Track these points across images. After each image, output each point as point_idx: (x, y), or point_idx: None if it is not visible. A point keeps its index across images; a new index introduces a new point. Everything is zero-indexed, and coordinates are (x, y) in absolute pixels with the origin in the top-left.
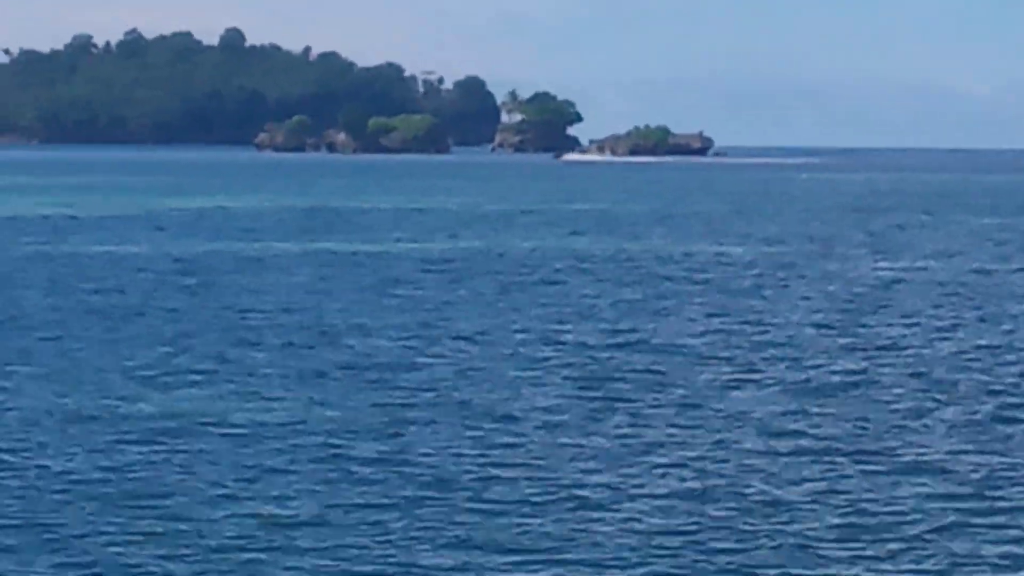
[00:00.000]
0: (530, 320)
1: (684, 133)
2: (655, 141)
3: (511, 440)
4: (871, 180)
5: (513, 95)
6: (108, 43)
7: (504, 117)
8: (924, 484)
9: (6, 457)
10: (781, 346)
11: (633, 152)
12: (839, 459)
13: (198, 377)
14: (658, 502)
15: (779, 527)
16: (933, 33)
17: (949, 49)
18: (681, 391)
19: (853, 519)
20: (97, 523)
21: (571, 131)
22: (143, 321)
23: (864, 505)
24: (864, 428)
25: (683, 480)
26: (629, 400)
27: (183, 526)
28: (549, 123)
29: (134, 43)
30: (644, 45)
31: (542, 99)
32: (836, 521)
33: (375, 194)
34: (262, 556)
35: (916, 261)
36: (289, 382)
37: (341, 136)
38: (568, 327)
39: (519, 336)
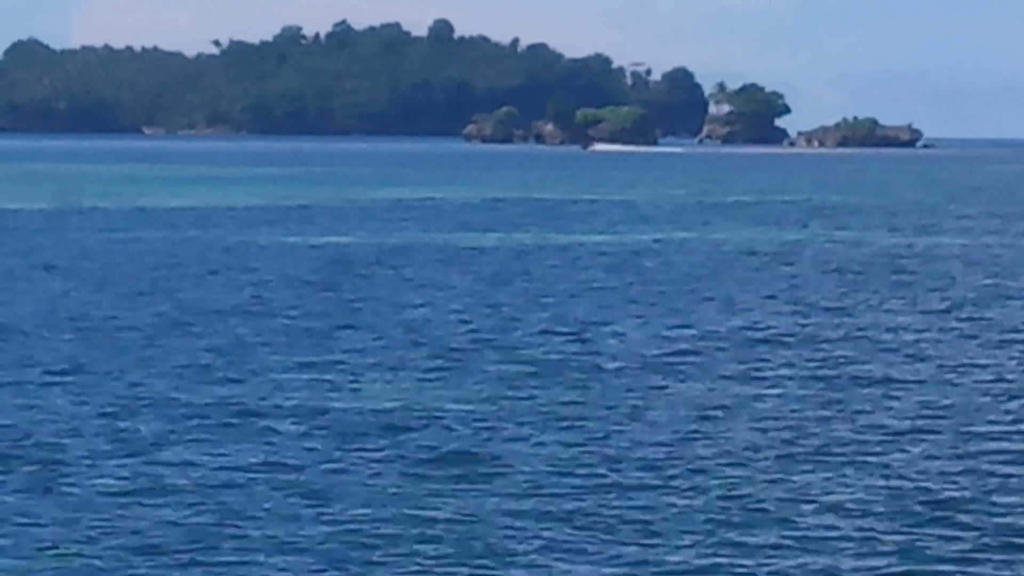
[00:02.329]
0: (757, 313)
1: (892, 125)
2: (864, 133)
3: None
4: None
5: (721, 86)
6: (317, 34)
7: (712, 108)
8: None
9: (187, 453)
10: None
11: (842, 144)
12: None
13: (433, 367)
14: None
15: None
16: None
17: None
18: (913, 390)
19: None
20: (302, 518)
21: (779, 123)
22: (358, 313)
23: None
24: None
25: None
26: (858, 399)
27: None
28: (757, 115)
29: (343, 34)
30: (850, 39)
31: (750, 91)
32: None
33: (583, 185)
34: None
35: None
36: (534, 376)
37: (549, 127)
38: (802, 320)
39: (737, 329)
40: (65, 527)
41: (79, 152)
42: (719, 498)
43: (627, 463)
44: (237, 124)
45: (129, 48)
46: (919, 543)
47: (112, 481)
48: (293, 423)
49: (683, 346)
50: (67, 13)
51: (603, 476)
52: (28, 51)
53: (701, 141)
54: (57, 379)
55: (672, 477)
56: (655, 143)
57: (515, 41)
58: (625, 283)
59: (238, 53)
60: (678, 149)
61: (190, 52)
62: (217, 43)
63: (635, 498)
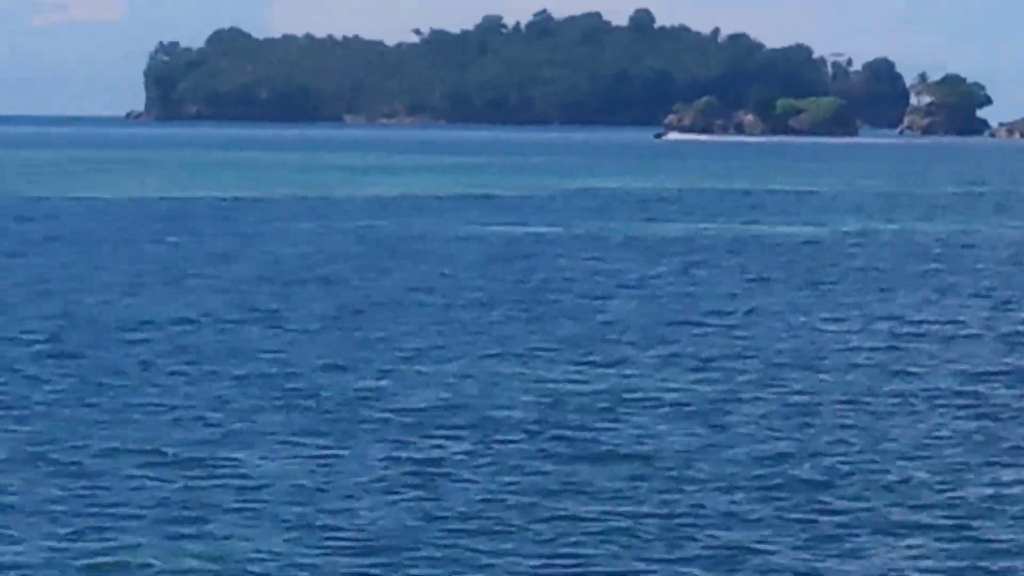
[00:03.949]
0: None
1: None
2: None
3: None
4: None
5: (923, 77)
6: (518, 24)
7: (913, 99)
8: None
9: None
10: None
11: None
12: None
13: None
14: None
15: None
16: None
17: None
18: None
19: None
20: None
21: (980, 114)
22: (539, 303)
23: None
24: None
25: None
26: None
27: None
28: (958, 106)
29: (543, 24)
30: None
31: (952, 81)
32: None
33: (783, 176)
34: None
35: None
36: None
37: (749, 118)
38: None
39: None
40: (250, 519)
41: (279, 140)
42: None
43: (806, 459)
44: (437, 113)
45: (330, 37)
46: None
47: (281, 470)
48: (475, 418)
49: (878, 342)
50: (269, 2)
51: (804, 472)
52: (230, 40)
53: (901, 132)
54: (226, 368)
55: (847, 475)
56: (855, 134)
57: (716, 31)
58: (802, 274)
59: (439, 42)
60: (877, 140)
61: (391, 41)
62: (418, 32)
63: (819, 498)
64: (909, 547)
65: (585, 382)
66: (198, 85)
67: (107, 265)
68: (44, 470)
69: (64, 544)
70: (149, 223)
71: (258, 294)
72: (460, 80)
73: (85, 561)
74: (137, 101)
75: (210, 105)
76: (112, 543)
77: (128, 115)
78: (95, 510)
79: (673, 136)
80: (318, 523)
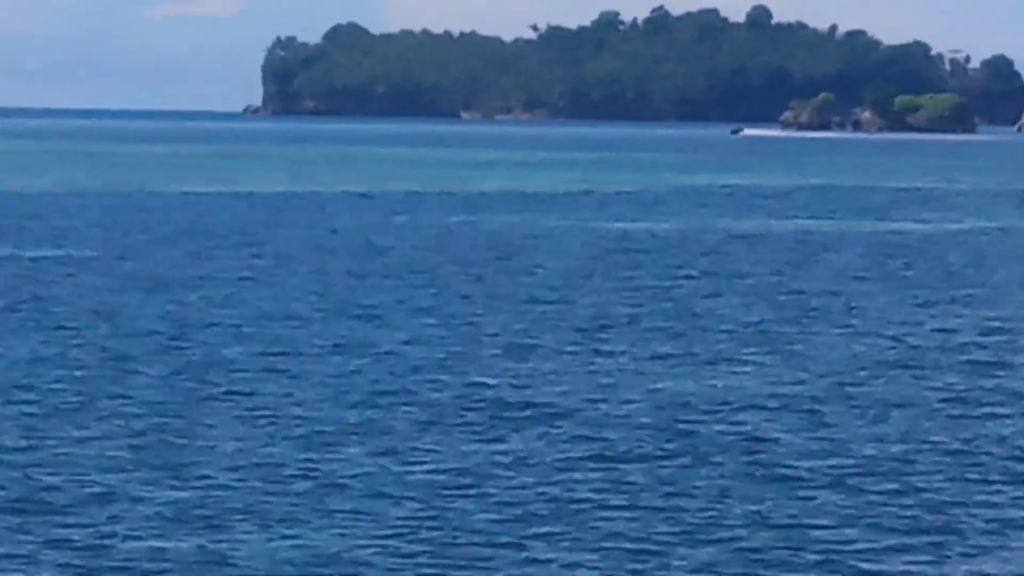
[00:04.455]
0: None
1: None
2: None
3: None
4: None
5: None
6: (635, 20)
7: None
8: None
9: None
10: None
11: None
12: None
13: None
14: None
15: None
16: None
17: None
18: None
19: None
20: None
21: None
22: (638, 300)
23: None
24: None
25: None
26: None
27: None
28: None
29: (660, 20)
30: None
31: None
32: None
33: (895, 173)
34: None
35: None
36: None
37: (866, 114)
38: None
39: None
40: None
41: (395, 136)
42: None
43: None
44: (554, 109)
45: (447, 32)
46: None
47: (362, 461)
48: (580, 416)
49: (987, 340)
50: None
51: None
52: (347, 35)
53: (1020, 129)
54: (323, 365)
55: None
56: (973, 131)
57: (833, 27)
58: (920, 270)
59: (555, 38)
60: (995, 136)
61: (507, 37)
62: (535, 28)
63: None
64: (1013, 548)
65: (688, 379)
66: (315, 80)
67: (219, 259)
68: (145, 465)
69: (163, 541)
70: (264, 217)
71: (364, 289)
72: (577, 76)
73: (183, 557)
74: (254, 96)
75: (327, 100)
76: (208, 539)
77: (245, 110)
78: (192, 504)
79: (749, 131)
80: (415, 521)
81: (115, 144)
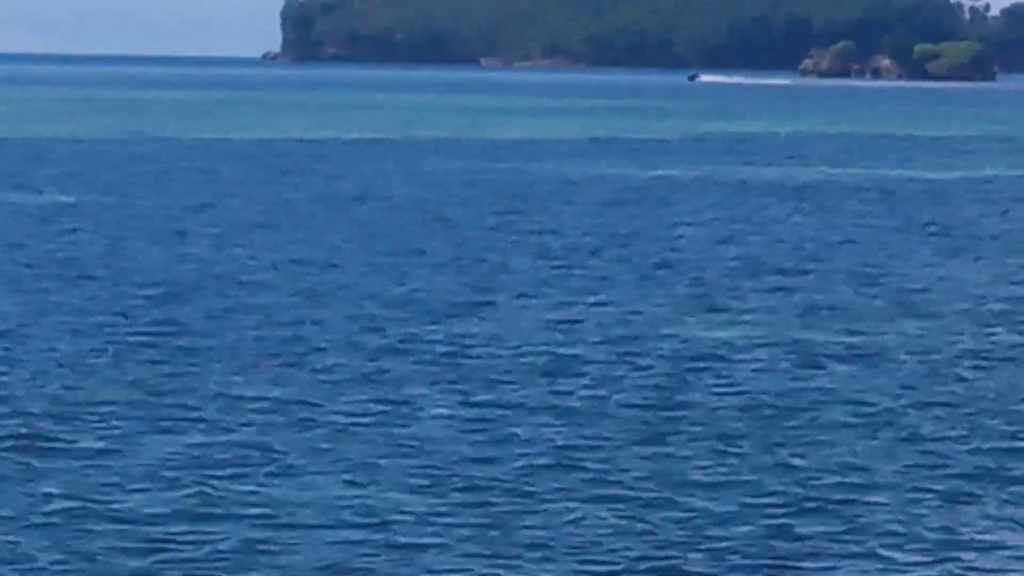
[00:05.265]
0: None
1: None
2: None
3: None
4: None
5: None
6: None
7: None
8: None
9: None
10: None
11: None
12: None
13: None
14: None
15: None
16: None
17: None
18: None
19: None
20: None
21: None
22: (635, 248)
23: None
24: None
25: None
26: None
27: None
28: None
29: None
30: None
31: None
32: None
33: (918, 121)
34: None
35: None
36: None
37: (886, 63)
38: None
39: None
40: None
41: (416, 82)
42: None
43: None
44: (575, 57)
45: None
46: None
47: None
48: (585, 367)
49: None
50: None
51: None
52: None
53: None
54: (338, 312)
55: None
56: (993, 79)
57: None
58: (941, 221)
59: None
60: (1015, 84)
61: None
62: None
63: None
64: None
65: (703, 330)
66: (335, 27)
67: (236, 206)
68: (152, 414)
69: (167, 492)
70: (281, 164)
71: (379, 236)
72: (599, 24)
73: (189, 508)
74: (274, 42)
75: (347, 47)
76: (218, 487)
77: (265, 56)
78: (199, 456)
79: (706, 78)
80: (433, 471)
81: (135, 90)
